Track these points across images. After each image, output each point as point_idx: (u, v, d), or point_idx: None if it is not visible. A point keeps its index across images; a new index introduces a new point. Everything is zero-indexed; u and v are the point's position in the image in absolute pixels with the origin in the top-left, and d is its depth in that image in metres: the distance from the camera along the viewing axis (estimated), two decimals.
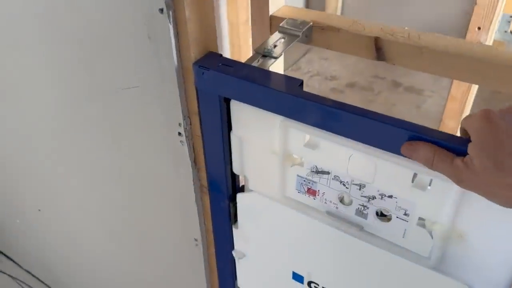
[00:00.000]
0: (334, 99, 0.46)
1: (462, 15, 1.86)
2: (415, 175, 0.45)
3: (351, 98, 2.22)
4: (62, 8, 0.58)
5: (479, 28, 1.41)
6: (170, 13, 0.49)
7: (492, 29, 1.42)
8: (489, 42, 1.43)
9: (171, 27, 0.50)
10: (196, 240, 0.73)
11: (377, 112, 0.43)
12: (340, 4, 2.61)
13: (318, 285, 0.62)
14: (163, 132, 0.60)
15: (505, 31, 1.54)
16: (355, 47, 0.59)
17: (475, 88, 1.53)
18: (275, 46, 0.59)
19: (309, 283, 0.63)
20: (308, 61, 2.55)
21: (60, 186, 0.89)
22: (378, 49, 0.57)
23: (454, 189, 0.42)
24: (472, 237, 0.45)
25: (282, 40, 0.60)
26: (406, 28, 0.57)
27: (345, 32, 0.59)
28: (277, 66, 0.72)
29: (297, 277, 0.64)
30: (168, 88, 0.55)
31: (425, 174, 0.44)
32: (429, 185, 0.44)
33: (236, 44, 0.99)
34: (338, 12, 2.62)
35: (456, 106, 1.51)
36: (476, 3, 1.39)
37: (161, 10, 0.49)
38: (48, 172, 0.89)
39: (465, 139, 0.39)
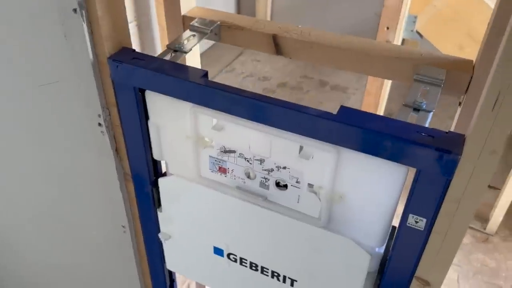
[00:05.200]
0: (233, 86, 0.53)
1: (374, 17, 2.04)
2: (301, 147, 0.53)
3: (282, 97, 2.34)
4: None
5: (387, 28, 1.57)
6: (83, 12, 0.54)
7: (399, 28, 1.58)
8: (397, 40, 1.58)
9: (84, 25, 0.55)
10: (124, 227, 0.77)
11: (268, 96, 0.51)
12: (269, 10, 2.73)
13: (236, 255, 0.69)
14: (84, 123, 0.65)
15: (411, 30, 1.72)
16: (257, 43, 0.67)
17: (388, 84, 1.69)
18: (186, 42, 0.65)
19: (229, 255, 0.69)
20: (241, 63, 2.64)
21: None
22: (276, 44, 0.66)
23: (331, 157, 0.51)
24: (350, 197, 0.54)
25: (193, 37, 0.66)
26: (299, 26, 0.66)
27: (248, 30, 0.67)
28: (194, 62, 0.79)
29: (218, 251, 0.70)
30: (85, 82, 0.60)
31: (309, 146, 0.52)
32: (312, 157, 0.53)
33: None
34: (268, 17, 2.74)
35: (371, 100, 1.66)
36: (384, 6, 1.54)
37: (75, 10, 0.54)
38: None
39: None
